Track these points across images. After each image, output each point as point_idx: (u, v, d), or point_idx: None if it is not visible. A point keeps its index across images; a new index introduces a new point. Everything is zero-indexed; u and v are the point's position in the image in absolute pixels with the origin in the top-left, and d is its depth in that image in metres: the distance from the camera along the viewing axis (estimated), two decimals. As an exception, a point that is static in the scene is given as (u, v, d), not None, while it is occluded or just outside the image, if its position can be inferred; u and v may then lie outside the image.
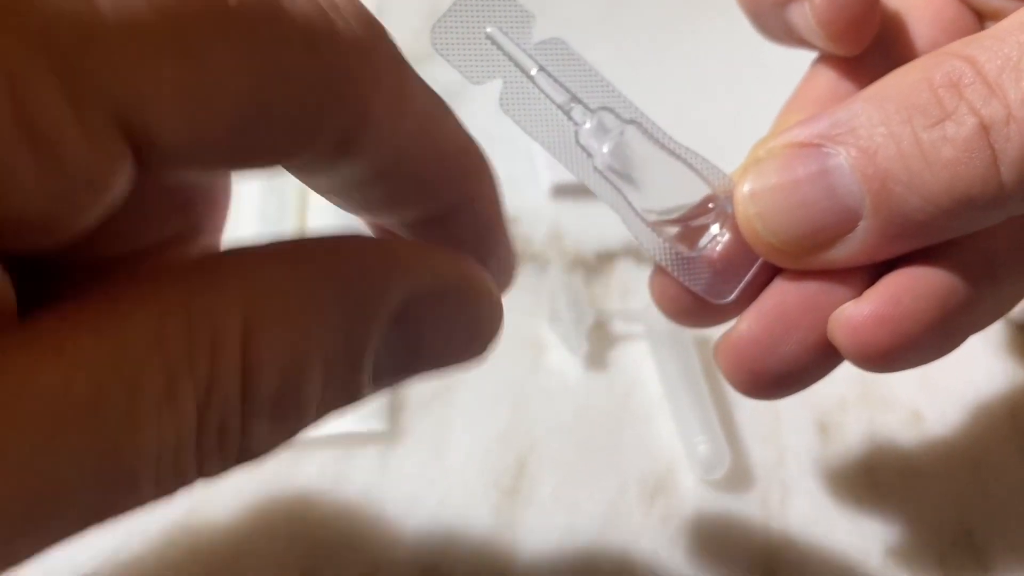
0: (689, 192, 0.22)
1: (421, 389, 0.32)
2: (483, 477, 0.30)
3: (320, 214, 0.36)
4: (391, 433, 0.30)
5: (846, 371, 0.33)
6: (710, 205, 0.22)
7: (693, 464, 0.30)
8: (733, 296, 0.22)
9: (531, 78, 0.21)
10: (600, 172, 0.21)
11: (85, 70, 0.11)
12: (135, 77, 0.12)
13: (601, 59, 0.43)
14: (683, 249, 0.22)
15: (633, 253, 0.36)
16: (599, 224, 0.37)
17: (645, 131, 0.22)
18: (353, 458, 0.30)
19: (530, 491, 0.29)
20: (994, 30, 0.19)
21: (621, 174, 0.22)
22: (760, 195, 0.20)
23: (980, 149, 0.18)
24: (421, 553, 0.28)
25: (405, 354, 0.16)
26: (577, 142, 0.21)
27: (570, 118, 0.21)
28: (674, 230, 0.22)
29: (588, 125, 0.21)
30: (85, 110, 0.12)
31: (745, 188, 0.21)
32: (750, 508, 0.29)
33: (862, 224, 0.19)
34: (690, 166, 0.22)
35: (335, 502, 0.29)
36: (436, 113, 0.17)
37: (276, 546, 0.28)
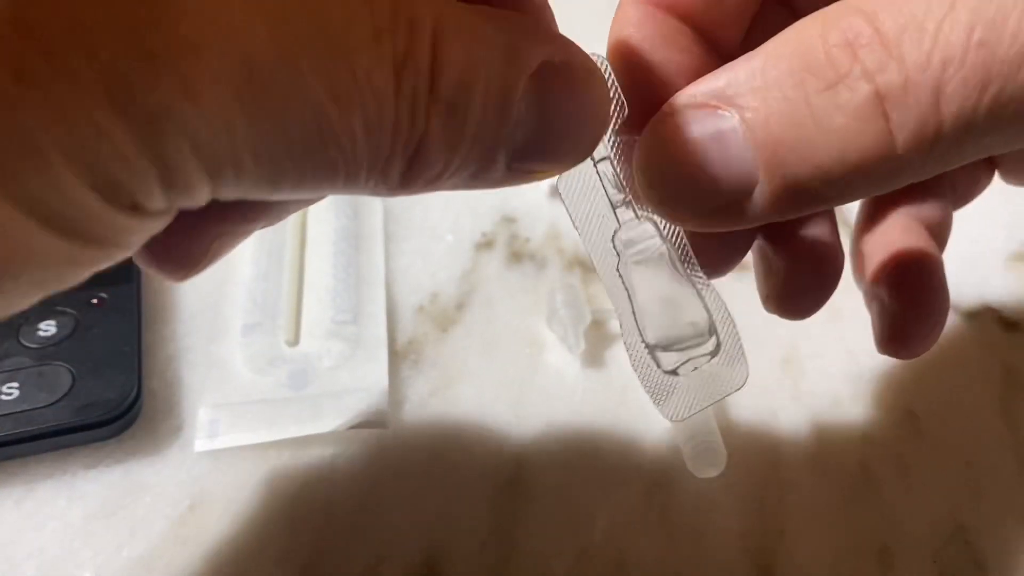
0: (690, 321, 0.22)
1: (421, 387, 0.32)
2: (482, 473, 0.30)
3: (321, 213, 0.37)
4: (392, 430, 0.31)
5: (841, 370, 0.34)
6: (704, 334, 0.22)
7: (690, 462, 0.30)
8: (680, 416, 0.23)
9: (595, 164, 0.22)
10: (620, 274, 0.22)
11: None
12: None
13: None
14: (659, 370, 0.23)
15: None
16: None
17: (671, 257, 0.22)
18: (354, 454, 0.30)
19: (528, 488, 0.30)
20: None
21: (636, 286, 0.22)
22: (655, 158, 0.20)
23: (873, 118, 0.17)
24: (421, 549, 0.28)
25: (535, 125, 0.18)
26: (612, 239, 0.22)
27: (615, 215, 0.22)
28: (666, 355, 0.23)
29: (629, 230, 0.22)
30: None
31: (642, 150, 0.20)
32: (747, 506, 0.30)
33: (758, 189, 0.18)
34: (698, 295, 0.22)
35: (336, 498, 0.29)
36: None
37: (277, 542, 0.28)
